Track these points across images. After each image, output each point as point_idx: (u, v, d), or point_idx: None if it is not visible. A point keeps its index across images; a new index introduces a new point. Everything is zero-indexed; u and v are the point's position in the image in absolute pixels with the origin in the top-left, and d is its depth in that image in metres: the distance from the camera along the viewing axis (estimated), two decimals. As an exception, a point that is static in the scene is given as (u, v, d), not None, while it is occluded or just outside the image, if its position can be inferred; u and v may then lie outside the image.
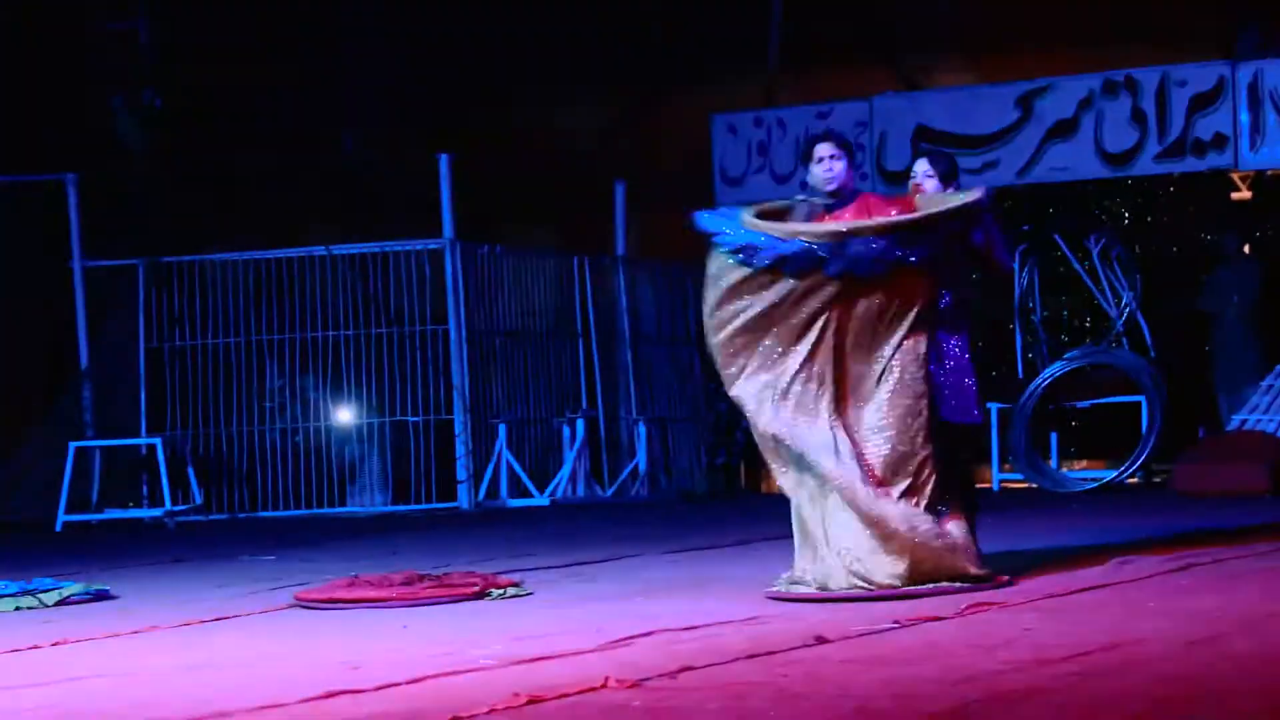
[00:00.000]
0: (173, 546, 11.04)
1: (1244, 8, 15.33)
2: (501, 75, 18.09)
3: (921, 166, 7.12)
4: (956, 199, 6.77)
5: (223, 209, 16.38)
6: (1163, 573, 6.82)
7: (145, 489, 14.64)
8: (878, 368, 6.57)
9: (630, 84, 18.14)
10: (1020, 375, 14.80)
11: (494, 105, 18.22)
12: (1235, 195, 15.51)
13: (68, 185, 14.79)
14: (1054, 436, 14.85)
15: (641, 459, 15.29)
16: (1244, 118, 14.80)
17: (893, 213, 6.71)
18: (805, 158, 6.96)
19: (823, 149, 6.91)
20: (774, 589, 6.62)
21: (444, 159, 14.69)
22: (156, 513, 13.98)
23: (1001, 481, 14.67)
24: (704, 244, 7.00)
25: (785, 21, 17.10)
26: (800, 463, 6.53)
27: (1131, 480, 14.08)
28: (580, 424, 14.83)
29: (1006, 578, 6.59)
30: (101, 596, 7.46)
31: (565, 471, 14.65)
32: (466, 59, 17.90)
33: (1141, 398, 14.04)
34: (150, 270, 14.88)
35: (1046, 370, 14.38)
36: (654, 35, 17.53)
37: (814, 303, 6.57)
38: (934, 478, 6.53)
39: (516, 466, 14.48)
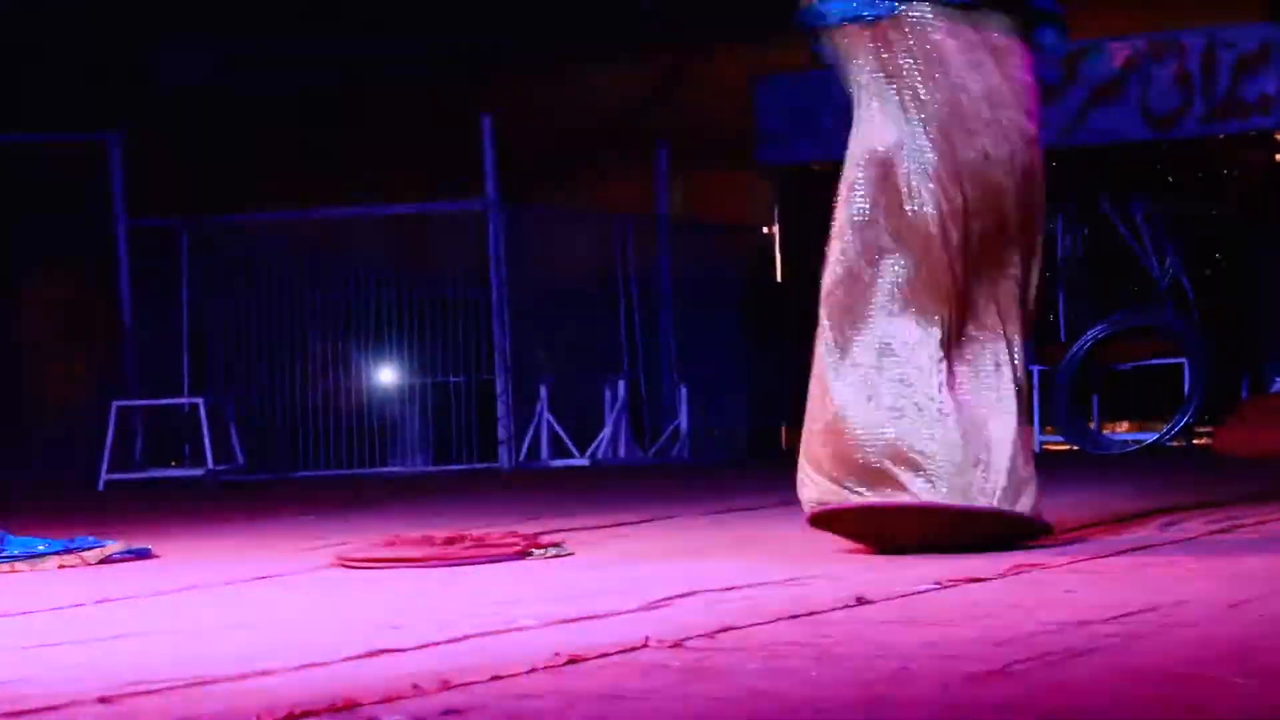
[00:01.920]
0: (215, 506, 11.09)
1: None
2: (542, 35, 18.07)
3: None
4: None
5: (266, 169, 16.42)
6: (1205, 535, 6.80)
7: (187, 448, 14.71)
8: None
9: (672, 43, 18.10)
10: (1063, 338, 14.76)
11: (535, 66, 18.20)
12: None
13: (110, 145, 14.83)
14: (1095, 398, 14.82)
15: (683, 420, 15.30)
16: (1290, 79, 14.74)
17: None
18: None
19: None
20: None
21: (486, 120, 14.71)
22: (198, 472, 14.04)
23: (1043, 444, 14.64)
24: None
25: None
26: None
27: (1175, 443, 14.04)
28: (622, 385, 14.85)
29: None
30: (144, 555, 7.49)
31: (606, 432, 14.67)
32: (507, 19, 17.88)
33: (1184, 360, 14.00)
34: (193, 230, 14.93)
35: (1089, 332, 14.34)
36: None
37: None
38: None
39: (558, 427, 14.51)
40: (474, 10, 17.72)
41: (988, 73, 6.37)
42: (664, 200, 16.34)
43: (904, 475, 6.32)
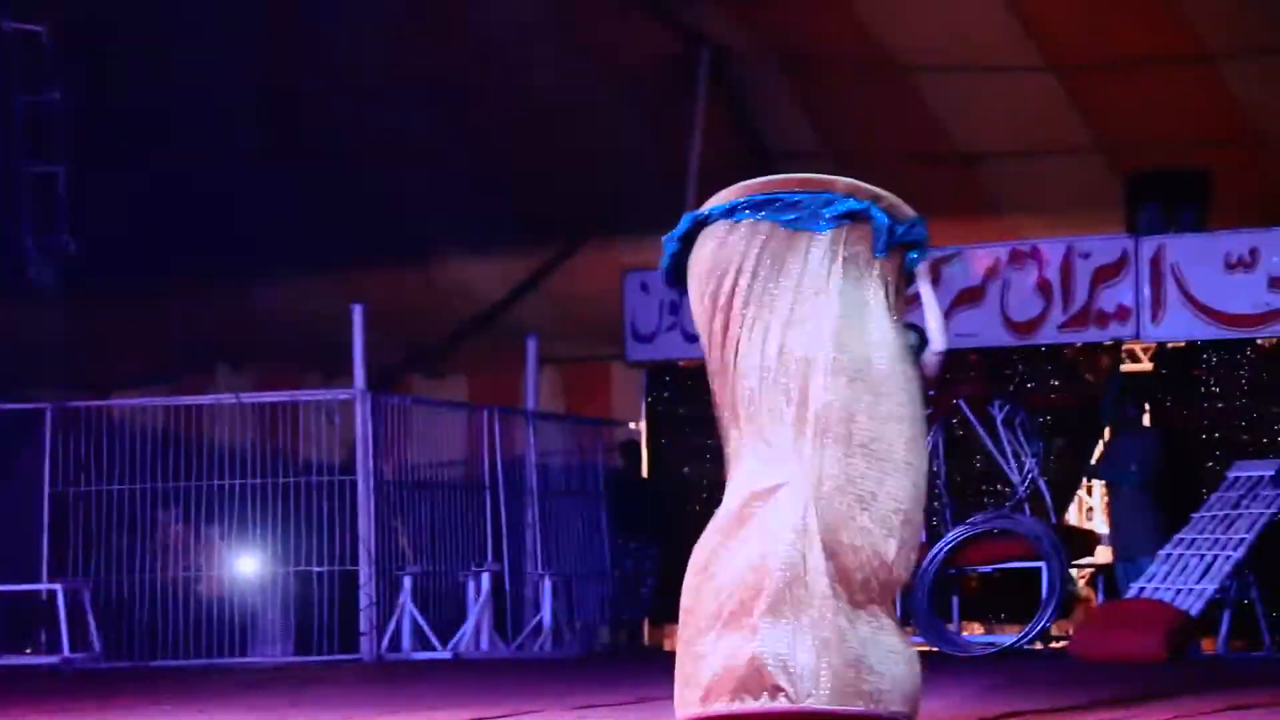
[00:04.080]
0: (68, 695, 10.94)
1: (1146, 186, 15.65)
2: (415, 226, 18.18)
3: None
4: None
5: (133, 354, 16.35)
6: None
7: (43, 635, 14.48)
8: None
9: (544, 237, 18.25)
10: (923, 538, 14.88)
11: (406, 256, 18.28)
12: (1134, 366, 15.71)
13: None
14: (955, 600, 14.92)
15: (546, 614, 15.26)
16: (1146, 291, 15.09)
17: None
18: None
19: None
20: None
21: (357, 309, 14.69)
22: (54, 659, 13.84)
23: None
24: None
25: (702, 178, 17.24)
26: None
27: (1032, 645, 14.17)
28: (485, 577, 14.81)
29: None
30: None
31: (469, 625, 14.61)
32: (379, 209, 17.99)
33: (1042, 563, 14.14)
34: (58, 414, 14.79)
35: (949, 534, 14.48)
36: (568, 189, 17.64)
37: None
38: None
39: (420, 619, 14.43)
40: (349, 201, 17.82)
41: None
42: (533, 393, 16.39)
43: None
